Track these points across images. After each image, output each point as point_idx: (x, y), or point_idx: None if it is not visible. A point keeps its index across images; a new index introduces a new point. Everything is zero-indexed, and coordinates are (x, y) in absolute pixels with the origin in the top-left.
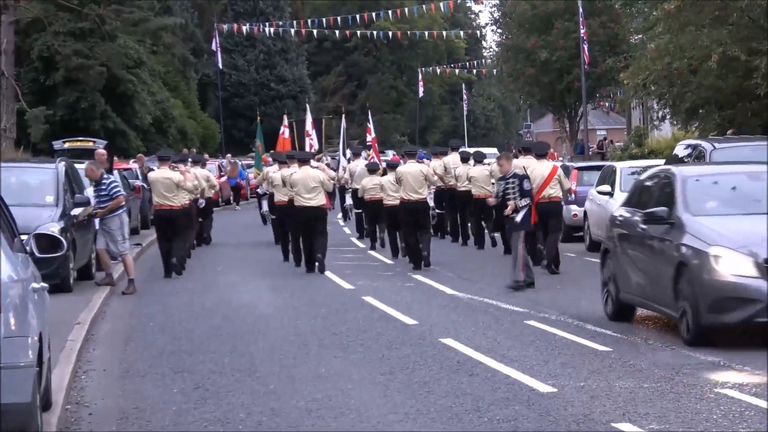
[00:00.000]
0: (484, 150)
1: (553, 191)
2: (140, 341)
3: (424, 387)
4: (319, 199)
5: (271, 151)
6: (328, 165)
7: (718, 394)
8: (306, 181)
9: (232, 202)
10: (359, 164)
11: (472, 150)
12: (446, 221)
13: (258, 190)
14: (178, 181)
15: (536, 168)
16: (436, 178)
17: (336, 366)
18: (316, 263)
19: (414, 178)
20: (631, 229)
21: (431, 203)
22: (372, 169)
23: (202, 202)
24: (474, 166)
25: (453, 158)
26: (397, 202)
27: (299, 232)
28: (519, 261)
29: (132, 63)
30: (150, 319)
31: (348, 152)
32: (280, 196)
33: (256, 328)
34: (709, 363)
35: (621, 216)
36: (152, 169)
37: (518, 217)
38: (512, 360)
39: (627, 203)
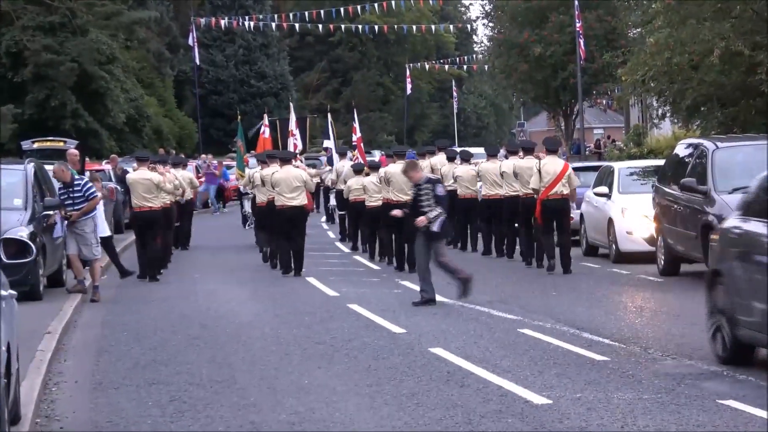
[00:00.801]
0: (472, 150)
1: (564, 188)
2: (114, 351)
3: (412, 399)
4: (301, 199)
5: (252, 152)
6: (313, 166)
7: (721, 406)
8: (289, 181)
9: (211, 204)
10: (345, 165)
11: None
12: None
13: (241, 189)
14: (158, 182)
15: (548, 164)
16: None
17: (320, 377)
18: (294, 267)
19: (403, 178)
20: (756, 245)
21: None
22: (358, 169)
23: (182, 199)
24: (460, 165)
25: (440, 158)
26: (380, 203)
27: (280, 232)
28: (453, 267)
29: (104, 59)
30: (124, 328)
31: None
32: (261, 197)
33: (236, 337)
34: (711, 373)
35: (738, 228)
36: (126, 171)
37: (435, 227)
38: (505, 370)
39: (744, 210)
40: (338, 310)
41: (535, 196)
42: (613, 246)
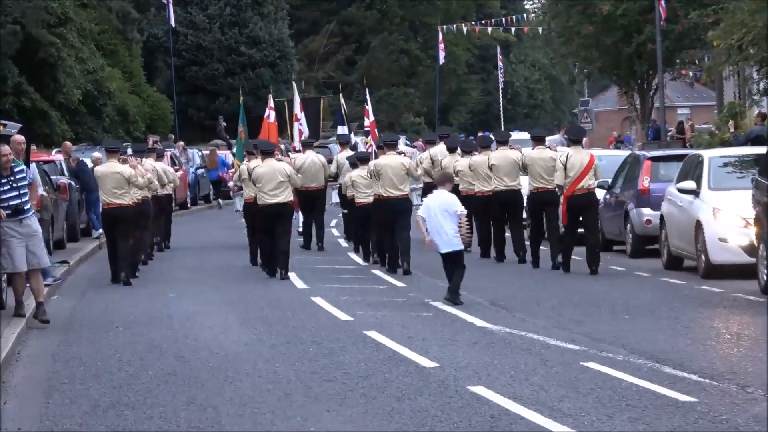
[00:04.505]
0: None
1: (591, 182)
2: (67, 391)
3: None
4: (285, 196)
5: (250, 140)
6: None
7: None
8: (271, 176)
9: (211, 199)
10: (349, 155)
11: (492, 137)
12: None
13: (230, 184)
14: (129, 175)
15: (574, 155)
16: (419, 172)
17: (329, 423)
18: (278, 268)
19: (395, 172)
20: None
21: (419, 201)
22: (353, 162)
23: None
24: (462, 157)
25: (441, 149)
26: (370, 199)
27: (263, 231)
28: None
29: (55, 20)
30: (80, 362)
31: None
32: (249, 192)
33: (222, 373)
34: None
35: None
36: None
37: None
38: (565, 414)
39: None
40: (352, 339)
41: (560, 192)
42: (703, 257)
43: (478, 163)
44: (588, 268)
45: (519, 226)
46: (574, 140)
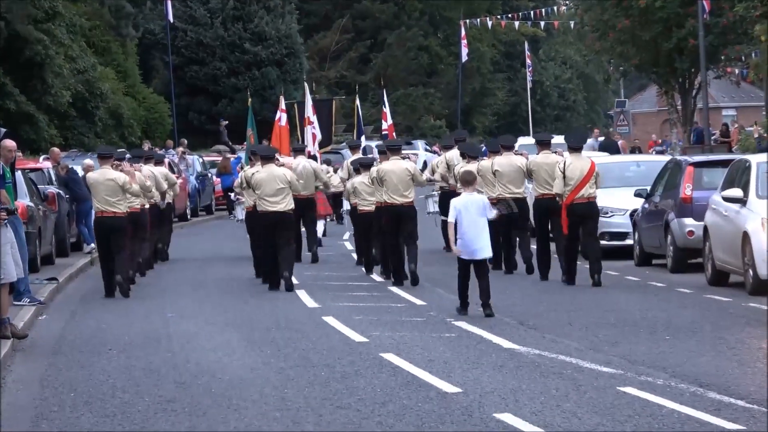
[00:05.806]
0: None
1: (592, 190)
2: (56, 420)
3: None
4: (286, 204)
5: (257, 144)
6: (328, 162)
7: None
8: (271, 182)
9: (213, 209)
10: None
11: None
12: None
13: (230, 193)
14: (123, 182)
15: (573, 163)
16: (425, 177)
17: None
18: (282, 281)
19: (399, 177)
20: None
21: (435, 208)
22: (354, 167)
23: (163, 204)
24: (468, 162)
25: (456, 153)
26: (372, 207)
27: (264, 241)
28: None
29: (42, 15)
30: (70, 387)
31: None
32: (249, 200)
33: (226, 399)
34: None
35: None
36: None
37: None
38: None
39: None
40: (367, 362)
41: (559, 201)
42: (750, 271)
43: (484, 169)
44: (590, 279)
45: (525, 236)
46: (573, 147)
